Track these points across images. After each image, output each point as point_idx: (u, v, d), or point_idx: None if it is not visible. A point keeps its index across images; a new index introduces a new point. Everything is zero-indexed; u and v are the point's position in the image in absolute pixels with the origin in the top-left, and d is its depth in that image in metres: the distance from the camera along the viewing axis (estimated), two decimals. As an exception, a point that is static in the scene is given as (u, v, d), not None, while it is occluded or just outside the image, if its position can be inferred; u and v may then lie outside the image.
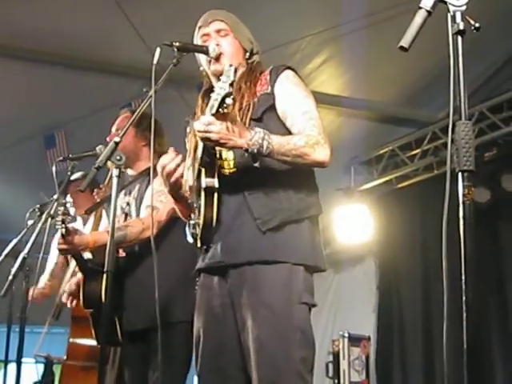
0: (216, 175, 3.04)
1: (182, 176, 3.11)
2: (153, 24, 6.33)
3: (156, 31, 6.11)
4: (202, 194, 3.04)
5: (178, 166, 3.05)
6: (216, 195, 3.05)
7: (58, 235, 4.19)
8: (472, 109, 7.82)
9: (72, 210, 5.85)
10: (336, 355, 8.62)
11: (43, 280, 5.98)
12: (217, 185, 3.04)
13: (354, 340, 8.68)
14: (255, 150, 2.92)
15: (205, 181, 3.03)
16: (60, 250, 4.18)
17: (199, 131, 2.85)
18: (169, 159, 3.06)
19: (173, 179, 3.08)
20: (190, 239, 3.16)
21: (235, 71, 2.79)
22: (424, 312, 8.36)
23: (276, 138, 2.97)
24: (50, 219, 4.31)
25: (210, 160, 3.03)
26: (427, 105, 8.34)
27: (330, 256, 9.52)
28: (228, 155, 3.12)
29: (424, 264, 8.45)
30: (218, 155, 3.09)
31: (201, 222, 3.05)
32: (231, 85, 2.71)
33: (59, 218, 4.07)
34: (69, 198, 5.78)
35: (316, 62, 7.45)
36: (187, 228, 3.17)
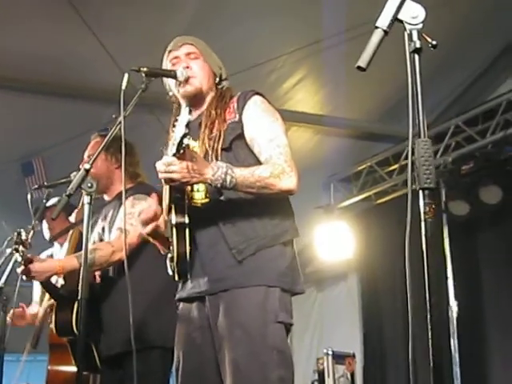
0: (186, 211, 3.04)
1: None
2: (127, 48, 6.33)
3: (130, 56, 6.12)
4: (174, 230, 3.04)
5: (156, 215, 3.10)
6: (188, 230, 3.06)
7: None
8: (447, 122, 7.86)
9: (47, 235, 5.86)
10: (321, 373, 8.54)
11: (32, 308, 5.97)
12: (187, 221, 3.04)
13: (339, 357, 8.63)
14: (218, 185, 2.95)
15: (175, 217, 3.03)
16: (23, 277, 4.10)
17: (160, 172, 2.87)
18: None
19: (149, 228, 3.12)
20: (170, 271, 3.16)
21: (190, 111, 2.79)
22: (407, 327, 8.32)
23: (239, 171, 2.98)
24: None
25: (180, 196, 3.04)
26: (404, 120, 8.33)
27: (312, 274, 9.53)
28: (199, 186, 3.12)
29: (405, 278, 8.42)
30: (189, 188, 3.09)
31: (175, 257, 3.06)
32: (187, 125, 2.71)
33: (14, 246, 4.02)
34: (45, 224, 5.80)
35: (292, 81, 7.47)
36: (168, 261, 3.17)
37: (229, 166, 2.96)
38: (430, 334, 1.76)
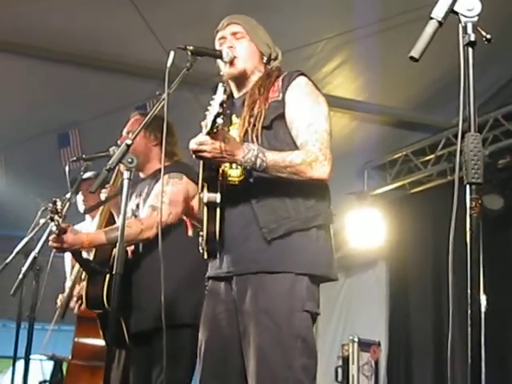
0: (219, 190, 3.04)
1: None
2: (169, 24, 6.33)
3: (172, 31, 6.13)
4: (205, 208, 3.04)
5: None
6: (218, 210, 3.05)
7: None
8: (486, 115, 7.79)
9: (81, 208, 5.92)
10: (345, 360, 8.55)
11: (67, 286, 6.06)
12: (219, 200, 3.03)
13: (364, 345, 8.65)
14: (248, 167, 2.95)
15: (207, 196, 3.03)
16: (54, 248, 4.10)
17: (192, 150, 2.87)
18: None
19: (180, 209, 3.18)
20: (200, 249, 3.16)
21: (225, 90, 2.78)
22: (435, 317, 8.32)
23: (271, 155, 2.96)
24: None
25: (214, 174, 3.04)
26: (442, 110, 8.29)
27: (341, 260, 9.49)
28: None
29: (435, 269, 8.41)
30: (226, 165, 3.10)
31: (204, 235, 3.06)
32: (221, 105, 2.70)
33: (49, 215, 4.02)
34: (80, 196, 5.85)
35: (331, 66, 7.43)
36: (200, 239, 3.17)
37: (260, 149, 2.95)
38: (469, 328, 1.75)
